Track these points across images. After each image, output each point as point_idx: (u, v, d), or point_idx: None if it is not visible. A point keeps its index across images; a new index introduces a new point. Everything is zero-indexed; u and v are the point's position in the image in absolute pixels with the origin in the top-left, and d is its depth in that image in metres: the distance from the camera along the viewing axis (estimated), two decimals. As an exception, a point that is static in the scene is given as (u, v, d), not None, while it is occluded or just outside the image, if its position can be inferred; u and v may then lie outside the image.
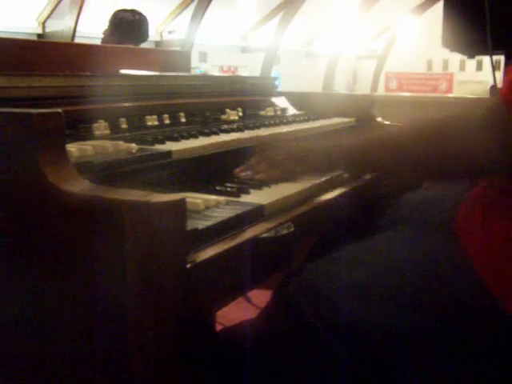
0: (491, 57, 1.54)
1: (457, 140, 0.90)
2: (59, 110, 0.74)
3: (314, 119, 1.55)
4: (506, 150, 0.84)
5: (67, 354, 0.76)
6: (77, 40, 4.25)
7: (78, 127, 1.04)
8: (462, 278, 0.86)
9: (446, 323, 0.86)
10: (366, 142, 1.03)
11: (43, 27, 5.13)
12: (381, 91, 8.37)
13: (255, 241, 0.79)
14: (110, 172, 0.86)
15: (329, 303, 0.89)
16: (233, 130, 1.23)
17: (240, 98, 1.55)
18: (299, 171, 1.08)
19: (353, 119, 1.63)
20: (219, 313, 1.64)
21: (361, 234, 1.02)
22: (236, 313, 1.75)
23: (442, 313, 0.86)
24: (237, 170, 1.07)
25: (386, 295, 0.89)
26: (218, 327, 1.67)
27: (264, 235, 0.81)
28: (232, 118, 1.42)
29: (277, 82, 1.84)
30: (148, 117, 1.21)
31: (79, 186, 0.71)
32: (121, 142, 0.96)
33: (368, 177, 1.21)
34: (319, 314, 0.90)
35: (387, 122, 1.67)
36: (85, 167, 0.80)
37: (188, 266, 0.67)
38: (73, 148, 0.87)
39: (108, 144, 0.93)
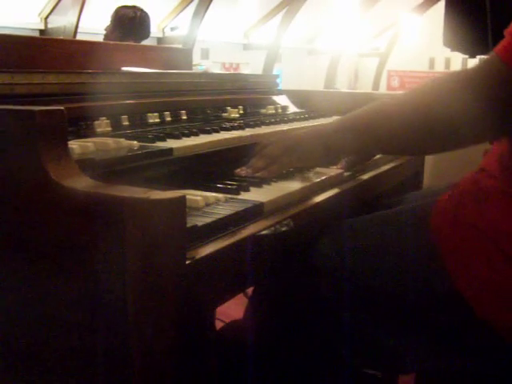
0: (492, 56, 1.54)
1: (444, 102, 0.87)
2: (61, 107, 0.75)
3: (314, 118, 1.56)
4: (494, 111, 0.82)
5: (67, 351, 0.77)
6: (79, 36, 4.26)
7: (80, 124, 1.04)
8: (428, 265, 0.88)
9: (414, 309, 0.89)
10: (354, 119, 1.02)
11: (45, 23, 5.13)
12: (383, 89, 8.36)
13: (254, 238, 0.80)
14: (112, 169, 0.87)
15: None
16: (233, 128, 1.24)
17: (241, 96, 1.56)
18: (297, 164, 1.09)
19: (353, 118, 1.64)
20: (219, 310, 1.65)
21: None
22: (236, 310, 1.76)
23: (410, 300, 0.89)
24: (237, 171, 1.07)
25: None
26: (219, 324, 1.68)
27: (263, 232, 0.82)
28: (233, 115, 1.43)
29: (279, 80, 1.85)
30: (149, 114, 1.21)
31: (81, 183, 0.72)
32: (122, 140, 0.97)
33: (368, 176, 1.22)
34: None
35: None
36: (86, 164, 0.81)
37: (187, 262, 0.68)
38: (75, 145, 0.88)
39: (110, 141, 0.94)
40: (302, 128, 1.37)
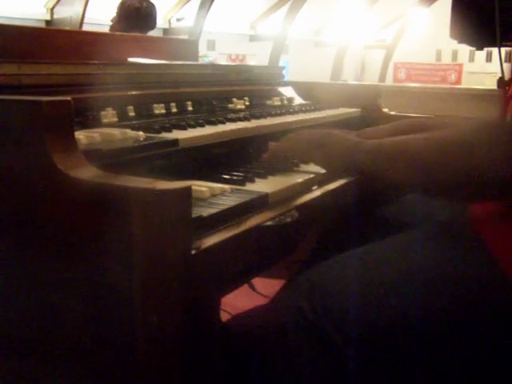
0: (499, 49, 1.53)
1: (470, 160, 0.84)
2: (68, 97, 0.75)
3: (319, 109, 1.56)
4: None
5: (73, 339, 0.78)
6: (85, 27, 4.26)
7: (86, 115, 1.05)
8: (483, 271, 0.84)
9: (465, 319, 0.83)
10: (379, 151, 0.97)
11: (51, 13, 5.13)
12: (389, 81, 8.34)
13: (259, 228, 0.80)
14: (118, 159, 0.87)
15: (338, 304, 0.87)
16: (239, 119, 1.24)
17: (247, 88, 1.56)
18: (311, 160, 1.08)
19: (358, 110, 1.64)
20: (224, 300, 1.66)
21: (369, 234, 1.00)
22: (241, 300, 1.77)
23: (463, 310, 0.83)
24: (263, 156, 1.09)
25: (399, 294, 0.85)
26: (224, 314, 1.69)
27: (268, 223, 0.82)
28: (239, 107, 1.43)
29: (285, 71, 1.85)
30: (155, 105, 1.22)
31: (87, 173, 0.73)
32: (128, 130, 0.97)
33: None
34: (327, 315, 0.88)
35: (393, 113, 1.68)
36: (93, 154, 0.81)
37: (193, 252, 0.68)
38: (81, 135, 0.88)
39: (116, 132, 0.95)
40: (308, 120, 1.37)
